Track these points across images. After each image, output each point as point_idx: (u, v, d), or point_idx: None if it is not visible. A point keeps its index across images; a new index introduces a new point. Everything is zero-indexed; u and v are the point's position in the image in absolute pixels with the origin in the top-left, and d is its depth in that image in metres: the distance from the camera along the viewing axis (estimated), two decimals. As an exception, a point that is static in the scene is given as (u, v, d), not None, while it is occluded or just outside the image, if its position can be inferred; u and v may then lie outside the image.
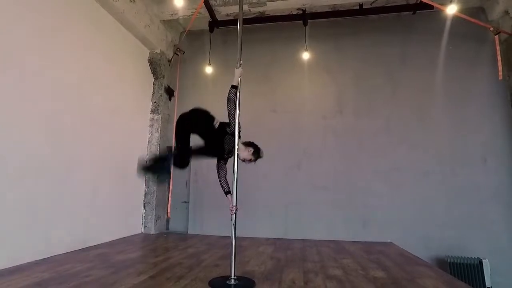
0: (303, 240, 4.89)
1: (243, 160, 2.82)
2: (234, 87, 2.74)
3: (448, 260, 4.46)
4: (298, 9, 5.35)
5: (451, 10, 4.21)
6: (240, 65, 2.89)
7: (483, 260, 4.34)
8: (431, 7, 4.78)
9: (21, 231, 3.04)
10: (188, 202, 5.70)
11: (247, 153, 2.81)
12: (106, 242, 4.28)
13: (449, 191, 4.90)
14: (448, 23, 5.15)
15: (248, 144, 2.88)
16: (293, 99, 5.64)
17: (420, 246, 4.67)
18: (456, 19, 4.92)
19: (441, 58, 5.26)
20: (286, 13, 5.51)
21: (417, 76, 5.32)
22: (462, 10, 4.67)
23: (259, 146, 2.93)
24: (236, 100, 2.73)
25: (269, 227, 5.29)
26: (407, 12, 5.39)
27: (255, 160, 2.87)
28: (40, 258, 3.21)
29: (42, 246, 3.28)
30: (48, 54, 3.40)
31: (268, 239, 5.00)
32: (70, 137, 3.72)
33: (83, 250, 3.77)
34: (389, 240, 4.84)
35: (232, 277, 2.58)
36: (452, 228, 4.76)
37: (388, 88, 5.38)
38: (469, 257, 4.46)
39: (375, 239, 4.87)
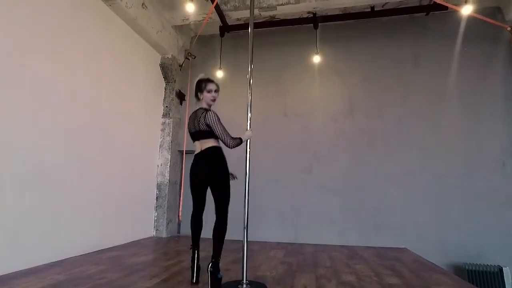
0: (314, 245, 4.83)
1: (213, 100, 2.72)
2: (241, 140, 2.64)
3: (466, 267, 4.32)
4: (309, 12, 5.33)
5: (467, 10, 4.11)
6: (250, 128, 2.81)
7: (503, 268, 4.18)
8: (445, 8, 4.70)
9: (36, 234, 3.11)
10: (199, 206, 5.71)
11: (212, 101, 2.74)
12: (119, 245, 4.34)
13: (465, 195, 4.76)
14: (462, 24, 5.05)
15: (206, 81, 2.73)
16: (304, 102, 5.61)
17: (436, 252, 4.54)
18: (470, 19, 4.81)
19: (455, 60, 5.15)
20: (297, 16, 5.50)
21: (430, 78, 5.22)
22: (477, 10, 4.56)
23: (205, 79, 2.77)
24: (234, 144, 2.60)
25: (280, 231, 5.25)
26: (420, 14, 5.30)
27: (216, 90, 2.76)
28: (55, 260, 3.28)
29: (57, 248, 3.35)
30: (62, 60, 3.49)
31: (278, 243, 4.97)
32: (83, 141, 3.79)
33: (96, 252, 3.82)
34: (403, 246, 4.73)
35: (244, 281, 2.57)
36: (470, 234, 4.61)
37: (400, 90, 5.30)
38: (489, 264, 4.31)
39: (389, 245, 4.77)
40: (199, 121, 2.61)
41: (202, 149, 2.62)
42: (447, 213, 4.77)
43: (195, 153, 2.69)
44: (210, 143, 2.61)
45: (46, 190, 3.24)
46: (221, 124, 2.60)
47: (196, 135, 2.66)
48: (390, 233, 4.88)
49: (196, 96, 2.77)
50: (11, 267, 2.83)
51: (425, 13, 5.24)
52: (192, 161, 2.73)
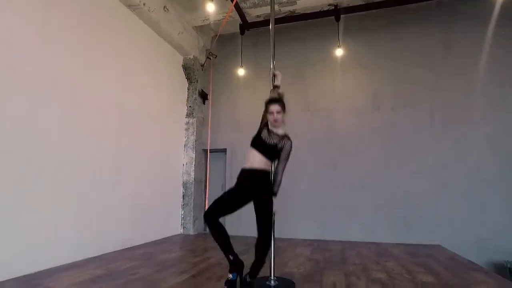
0: (342, 242, 4.75)
1: (275, 121, 2.47)
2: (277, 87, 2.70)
3: (508, 265, 4.06)
4: (330, 5, 5.21)
5: (502, -9, 3.83)
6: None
7: (549, 266, 3.89)
8: (478, -11, 4.40)
9: (75, 231, 3.30)
10: (224, 203, 5.80)
11: (274, 122, 2.48)
12: (150, 242, 4.50)
13: (508, 188, 4.46)
14: (497, 5, 4.71)
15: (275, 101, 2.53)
16: (327, 96, 5.51)
17: (473, 249, 4.31)
18: (506, 0, 4.48)
19: (489, 45, 4.82)
20: (317, 10, 5.38)
21: (463, 65, 4.92)
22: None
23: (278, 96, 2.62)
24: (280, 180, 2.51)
25: (306, 228, 5.20)
26: (450, -2, 5.01)
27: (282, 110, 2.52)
28: (92, 256, 3.47)
29: (94, 245, 3.54)
30: (91, 66, 3.65)
31: (305, 240, 4.93)
32: (114, 143, 3.96)
33: (129, 249, 3.99)
34: (436, 243, 4.52)
35: (272, 278, 2.58)
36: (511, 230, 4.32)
37: (430, 79, 5.04)
38: (533, 262, 4.02)
39: (421, 242, 4.58)
40: (278, 142, 2.48)
41: (259, 167, 2.42)
42: (486, 207, 4.50)
43: (249, 165, 2.45)
44: (267, 165, 2.46)
45: (83, 190, 3.42)
46: (288, 159, 2.52)
47: (264, 147, 2.46)
48: (422, 230, 4.69)
49: (265, 116, 2.59)
50: (54, 262, 3.03)
51: (456, -3, 4.95)
52: (242, 169, 2.52)
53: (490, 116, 4.70)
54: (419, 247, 4.31)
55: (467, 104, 4.83)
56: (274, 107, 2.48)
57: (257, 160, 2.43)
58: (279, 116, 2.47)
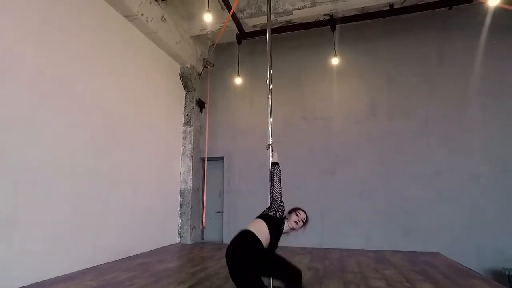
0: (340, 250, 4.73)
1: (296, 223, 2.51)
2: (276, 163, 2.68)
3: (506, 272, 4.06)
4: (325, 15, 5.30)
5: (494, 1, 3.92)
6: (274, 151, 2.79)
7: (548, 273, 3.89)
8: (470, 0, 4.50)
9: (71, 242, 3.25)
10: (222, 212, 5.77)
11: (294, 223, 2.52)
12: (146, 252, 4.44)
13: (503, 195, 4.49)
14: (489, 16, 4.82)
15: (295, 211, 2.60)
16: (324, 105, 5.55)
17: (471, 256, 4.31)
18: (498, 10, 4.58)
19: (482, 54, 4.92)
20: (313, 20, 5.47)
21: (456, 74, 5.01)
22: (505, 0, 4.33)
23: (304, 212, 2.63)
24: (280, 175, 2.64)
25: (304, 236, 5.10)
26: (443, 8, 5.11)
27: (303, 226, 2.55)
28: (87, 267, 3.41)
29: (89, 255, 3.48)
30: (91, 76, 3.67)
31: (303, 248, 4.89)
32: (111, 153, 3.94)
33: (125, 259, 3.94)
34: (434, 250, 4.52)
35: (271, 287, 2.55)
36: (509, 236, 4.33)
37: (425, 88, 5.12)
38: (531, 269, 4.02)
39: (419, 249, 4.58)
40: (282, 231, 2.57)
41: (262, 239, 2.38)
42: (483, 214, 4.51)
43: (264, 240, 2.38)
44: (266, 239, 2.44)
45: (79, 200, 3.38)
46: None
47: (276, 231, 2.51)
48: (420, 237, 4.68)
49: (284, 217, 2.61)
50: (50, 274, 2.97)
51: (448, 8, 5.05)
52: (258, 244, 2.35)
53: (485, 124, 4.76)
54: (417, 254, 4.30)
55: (462, 112, 4.89)
56: (303, 215, 2.56)
57: (264, 236, 2.36)
58: (301, 224, 2.53)
